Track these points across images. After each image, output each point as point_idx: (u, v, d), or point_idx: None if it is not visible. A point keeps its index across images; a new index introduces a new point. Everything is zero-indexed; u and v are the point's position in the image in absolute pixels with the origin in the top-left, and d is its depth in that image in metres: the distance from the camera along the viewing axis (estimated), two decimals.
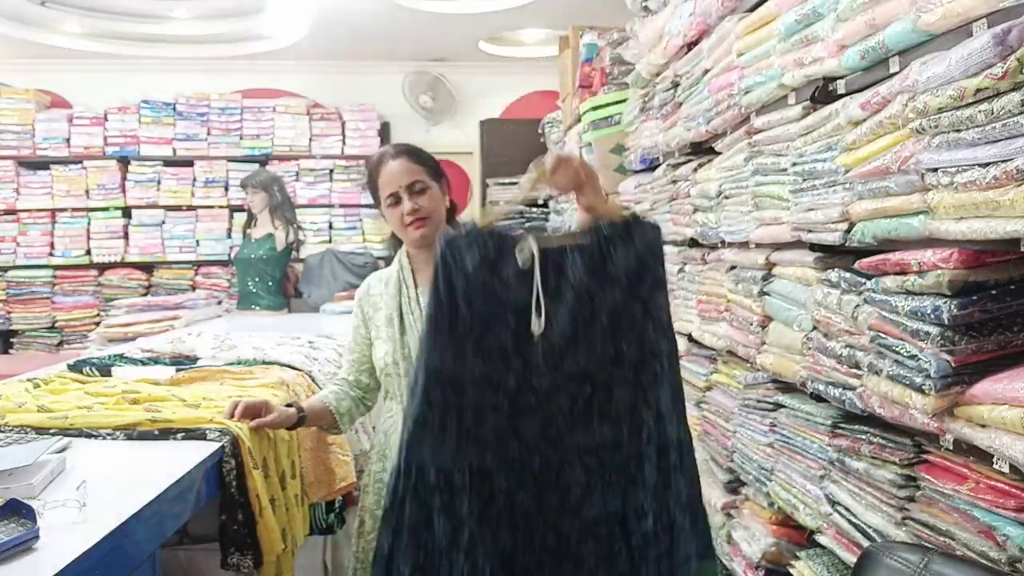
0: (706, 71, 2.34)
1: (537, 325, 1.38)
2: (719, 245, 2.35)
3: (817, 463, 1.75)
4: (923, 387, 1.28)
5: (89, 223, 5.78)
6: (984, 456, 1.22)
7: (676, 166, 2.72)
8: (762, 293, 2.00)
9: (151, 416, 1.78)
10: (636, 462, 1.42)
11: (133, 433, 1.74)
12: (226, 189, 5.84)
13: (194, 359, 2.55)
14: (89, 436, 1.72)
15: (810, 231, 1.73)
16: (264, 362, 2.46)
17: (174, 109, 5.84)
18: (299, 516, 2.01)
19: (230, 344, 2.70)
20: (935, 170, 1.23)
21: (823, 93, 1.69)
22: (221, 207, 5.86)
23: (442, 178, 1.96)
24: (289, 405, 1.94)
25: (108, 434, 1.73)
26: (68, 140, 5.76)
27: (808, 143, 1.72)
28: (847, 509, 1.61)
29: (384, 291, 1.97)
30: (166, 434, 1.74)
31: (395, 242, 2.02)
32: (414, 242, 1.91)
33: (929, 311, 1.25)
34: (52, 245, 5.76)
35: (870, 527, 1.52)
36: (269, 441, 1.89)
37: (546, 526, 1.43)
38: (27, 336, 5.74)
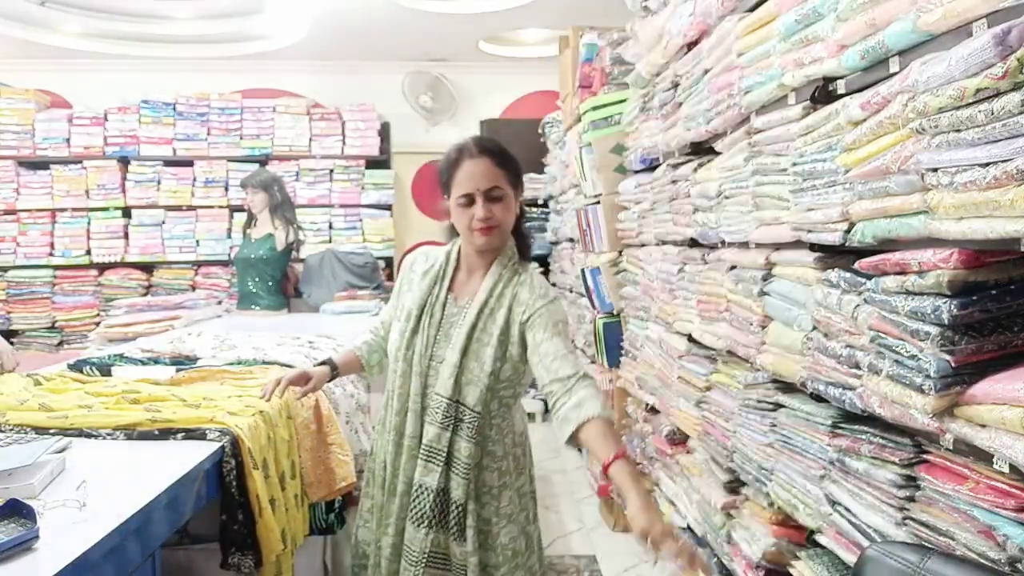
0: (706, 71, 2.34)
1: None
2: (719, 245, 2.35)
3: (817, 463, 1.75)
4: (923, 387, 1.28)
5: (89, 223, 5.78)
6: (984, 456, 1.22)
7: (676, 166, 2.72)
8: (762, 293, 2.00)
9: (151, 416, 1.78)
10: None
11: (133, 433, 1.74)
12: (226, 189, 5.84)
13: (194, 359, 2.55)
14: (89, 436, 1.72)
15: (810, 231, 1.73)
16: (264, 362, 2.47)
17: (174, 109, 5.84)
18: (299, 516, 2.01)
19: (230, 344, 2.70)
20: (935, 170, 1.23)
21: (823, 93, 1.69)
22: (221, 207, 5.86)
23: (520, 183, 1.86)
24: (323, 363, 2.01)
25: (108, 434, 1.73)
26: (68, 140, 5.76)
27: (808, 143, 1.72)
28: (847, 509, 1.61)
29: (421, 279, 1.91)
30: (166, 434, 1.74)
31: (453, 231, 1.93)
32: (475, 246, 1.85)
33: (929, 311, 1.25)
34: (52, 245, 5.76)
35: (870, 527, 1.52)
36: (269, 441, 1.89)
37: None
38: (27, 336, 5.74)
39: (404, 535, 1.83)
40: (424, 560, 1.79)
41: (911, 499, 1.43)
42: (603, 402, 1.69)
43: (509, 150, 1.87)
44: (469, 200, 1.79)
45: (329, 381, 2.02)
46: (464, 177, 1.78)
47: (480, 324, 1.80)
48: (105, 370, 2.36)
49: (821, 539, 1.74)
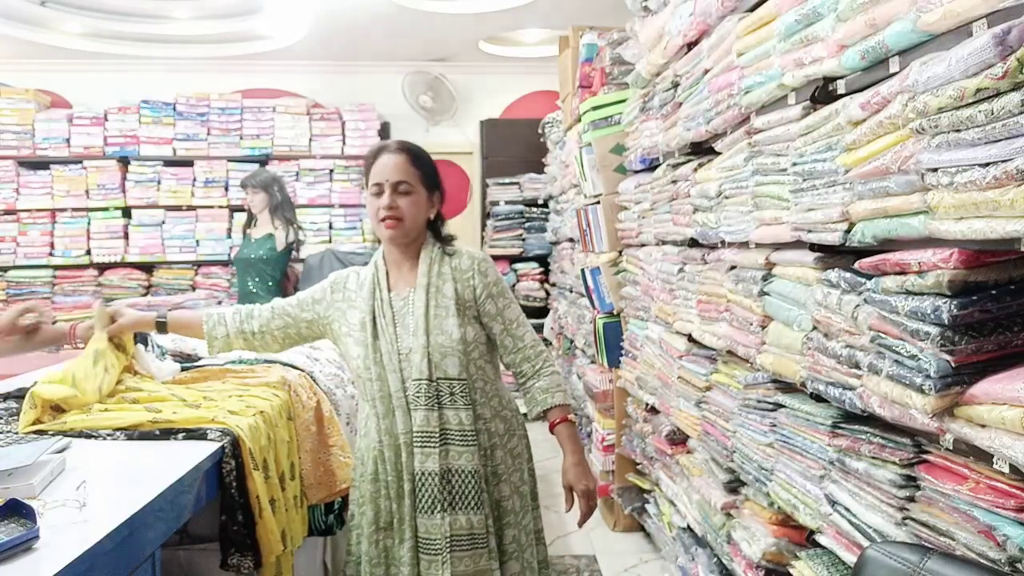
0: (706, 71, 2.34)
1: None
2: (719, 245, 2.35)
3: (817, 463, 1.75)
4: (923, 387, 1.28)
5: (89, 223, 5.78)
6: (984, 456, 1.22)
7: (676, 166, 2.72)
8: (762, 293, 2.00)
9: (152, 417, 1.78)
10: None
11: (134, 433, 1.74)
12: (226, 189, 5.84)
13: (195, 358, 2.55)
14: (89, 436, 1.72)
15: (810, 231, 1.73)
16: (266, 361, 2.46)
17: (174, 109, 5.84)
18: (298, 517, 2.01)
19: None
20: (935, 170, 1.23)
21: (823, 93, 1.69)
22: (221, 207, 5.86)
23: (436, 190, 1.97)
24: (161, 317, 2.09)
25: (108, 434, 1.73)
26: (68, 140, 5.75)
27: (808, 143, 1.72)
28: (847, 509, 1.61)
29: (359, 292, 1.98)
30: (167, 434, 1.74)
31: (378, 241, 2.07)
32: (384, 238, 1.95)
33: (929, 311, 1.25)
34: (52, 245, 5.76)
35: (870, 527, 1.52)
36: (269, 442, 1.89)
37: None
38: None
39: (419, 531, 1.84)
40: (448, 545, 1.80)
41: (911, 499, 1.43)
42: (562, 382, 1.97)
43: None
44: (379, 190, 1.91)
45: (160, 331, 2.09)
46: (378, 169, 1.92)
47: (432, 302, 1.90)
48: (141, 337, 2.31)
49: (821, 539, 1.74)
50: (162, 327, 2.09)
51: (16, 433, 1.69)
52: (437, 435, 1.84)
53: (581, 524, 1.93)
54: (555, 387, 1.94)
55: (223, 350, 2.09)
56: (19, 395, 2.07)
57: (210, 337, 2.06)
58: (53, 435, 1.67)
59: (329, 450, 2.25)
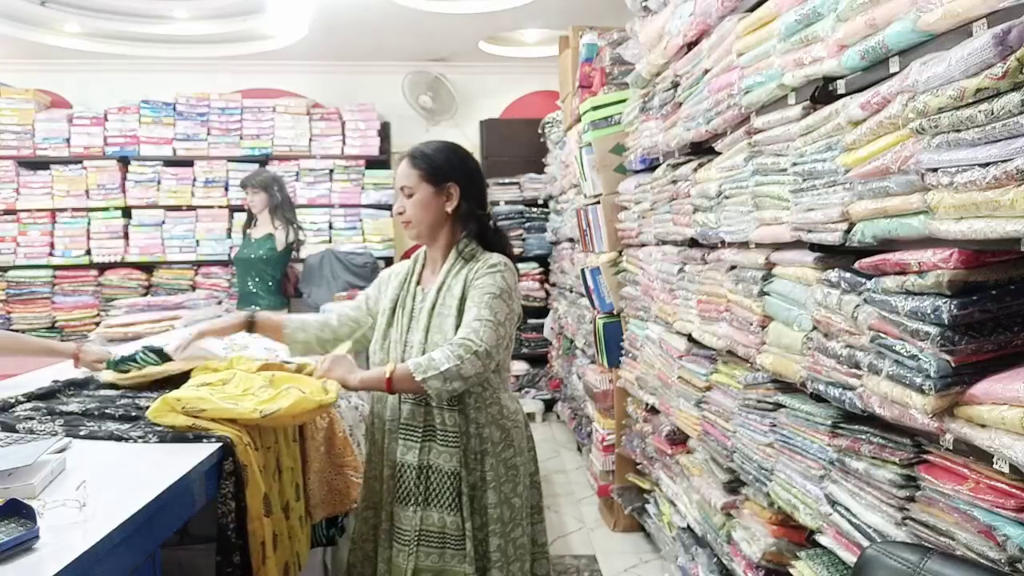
0: (706, 71, 2.34)
1: None
2: (719, 245, 2.35)
3: (817, 463, 1.75)
4: (923, 387, 1.28)
5: (89, 223, 5.78)
6: (984, 456, 1.22)
7: (676, 166, 2.72)
8: (762, 293, 2.00)
9: (191, 422, 1.73)
10: None
11: (167, 435, 1.70)
12: (226, 189, 5.84)
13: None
14: (120, 439, 1.70)
15: (810, 231, 1.73)
16: (282, 362, 2.43)
17: (174, 109, 5.84)
18: (303, 538, 2.00)
19: (241, 344, 2.68)
20: (935, 170, 1.23)
21: (823, 93, 1.69)
22: (221, 207, 5.86)
23: (447, 180, 1.96)
24: (251, 317, 2.14)
25: (140, 437, 1.70)
26: (68, 140, 5.75)
27: (808, 143, 1.72)
28: (847, 509, 1.61)
29: (392, 282, 2.07)
30: (199, 438, 1.69)
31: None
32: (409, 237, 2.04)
33: (929, 311, 1.25)
34: (52, 245, 5.76)
35: (870, 527, 1.52)
36: (274, 477, 1.86)
37: None
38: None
39: (393, 518, 1.89)
40: (416, 539, 1.84)
41: (911, 499, 1.43)
42: (442, 362, 1.75)
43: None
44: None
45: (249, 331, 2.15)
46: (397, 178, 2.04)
47: (440, 300, 1.93)
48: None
49: (821, 539, 1.74)
50: (251, 327, 2.15)
51: (18, 432, 1.69)
52: (420, 430, 1.87)
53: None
54: (431, 356, 1.77)
55: (303, 354, 2.14)
56: (39, 395, 2.05)
57: (291, 340, 2.12)
58: (54, 435, 1.67)
59: (339, 470, 2.23)
